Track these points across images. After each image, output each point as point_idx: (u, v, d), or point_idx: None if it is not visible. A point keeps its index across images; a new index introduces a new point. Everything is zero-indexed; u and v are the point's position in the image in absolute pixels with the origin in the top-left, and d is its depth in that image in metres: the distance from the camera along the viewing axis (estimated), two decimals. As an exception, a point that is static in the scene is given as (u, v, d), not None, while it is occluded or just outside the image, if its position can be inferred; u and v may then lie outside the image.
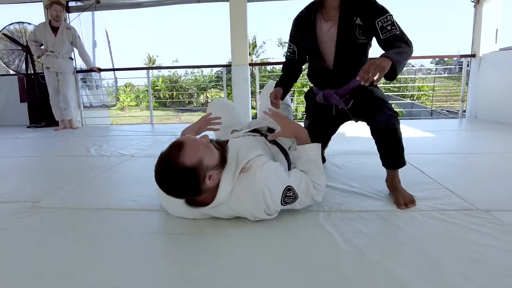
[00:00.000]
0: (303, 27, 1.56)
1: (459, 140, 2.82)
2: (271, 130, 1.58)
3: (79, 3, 4.46)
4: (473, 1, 3.83)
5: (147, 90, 4.86)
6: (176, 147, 1.03)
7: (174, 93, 23.50)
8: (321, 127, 1.72)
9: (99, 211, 1.40)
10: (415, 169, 1.83)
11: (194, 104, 22.99)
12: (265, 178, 1.10)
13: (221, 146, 1.17)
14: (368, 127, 1.45)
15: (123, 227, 1.25)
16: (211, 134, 1.49)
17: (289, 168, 1.47)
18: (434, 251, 1.00)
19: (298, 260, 0.98)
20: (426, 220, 1.21)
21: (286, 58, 1.74)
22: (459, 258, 0.96)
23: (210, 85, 23.09)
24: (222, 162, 1.12)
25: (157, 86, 22.90)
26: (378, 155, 1.46)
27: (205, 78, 23.73)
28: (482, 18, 3.75)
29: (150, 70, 8.13)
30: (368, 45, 1.52)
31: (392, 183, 1.45)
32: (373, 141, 1.45)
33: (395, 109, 1.44)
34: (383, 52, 1.29)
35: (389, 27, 1.36)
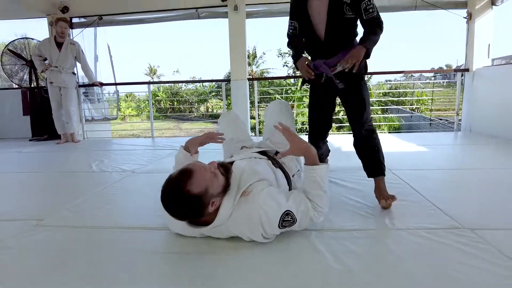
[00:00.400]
0: (297, 5, 1.71)
1: (451, 155, 2.88)
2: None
3: (82, 20, 4.58)
4: (465, 18, 3.94)
5: (148, 101, 4.95)
6: (186, 175, 1.08)
7: (175, 103, 23.67)
8: (316, 93, 1.85)
9: (101, 230, 1.46)
10: (406, 185, 1.90)
11: (195, 114, 23.12)
12: (263, 203, 1.15)
13: (226, 170, 1.22)
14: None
15: (125, 245, 1.31)
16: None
17: None
18: (418, 271, 1.05)
19: (290, 279, 1.03)
20: (414, 238, 1.27)
21: (288, 35, 1.84)
22: (441, 278, 1.01)
23: (210, 95, 23.27)
24: (226, 187, 1.17)
25: (158, 96, 23.08)
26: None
27: (205, 88, 23.90)
28: (474, 33, 3.86)
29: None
30: (355, 19, 1.64)
31: (379, 192, 1.60)
32: None
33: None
34: (362, 35, 1.60)
35: (370, 10, 1.57)
